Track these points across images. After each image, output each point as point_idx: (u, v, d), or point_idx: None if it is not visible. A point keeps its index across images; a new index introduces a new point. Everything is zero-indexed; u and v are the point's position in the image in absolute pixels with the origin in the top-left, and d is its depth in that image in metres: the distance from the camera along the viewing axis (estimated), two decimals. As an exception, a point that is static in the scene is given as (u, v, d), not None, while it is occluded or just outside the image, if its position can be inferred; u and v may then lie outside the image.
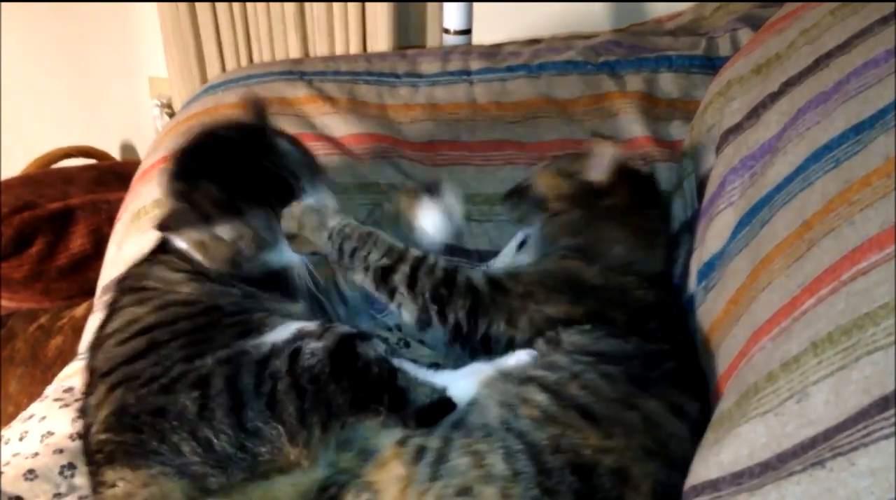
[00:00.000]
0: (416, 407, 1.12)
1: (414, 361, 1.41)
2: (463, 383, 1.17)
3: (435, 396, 1.14)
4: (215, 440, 1.06)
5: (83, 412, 1.20)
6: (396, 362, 1.17)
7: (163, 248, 1.38)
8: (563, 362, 1.15)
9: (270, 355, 1.13)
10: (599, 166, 1.35)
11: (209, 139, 1.36)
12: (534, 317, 1.26)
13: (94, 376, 1.20)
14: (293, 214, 1.30)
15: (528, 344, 1.24)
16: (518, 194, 1.46)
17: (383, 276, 1.27)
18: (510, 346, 1.26)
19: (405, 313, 1.28)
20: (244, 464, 1.06)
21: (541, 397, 1.09)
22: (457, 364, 1.34)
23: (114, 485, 1.08)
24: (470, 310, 1.26)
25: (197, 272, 1.30)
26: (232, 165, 1.30)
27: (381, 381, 1.12)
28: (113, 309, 1.29)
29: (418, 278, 1.26)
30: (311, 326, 1.18)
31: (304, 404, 1.08)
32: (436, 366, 1.41)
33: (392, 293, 1.27)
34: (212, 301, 1.24)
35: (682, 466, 1.06)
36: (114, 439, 1.11)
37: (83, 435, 1.19)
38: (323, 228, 1.30)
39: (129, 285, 1.34)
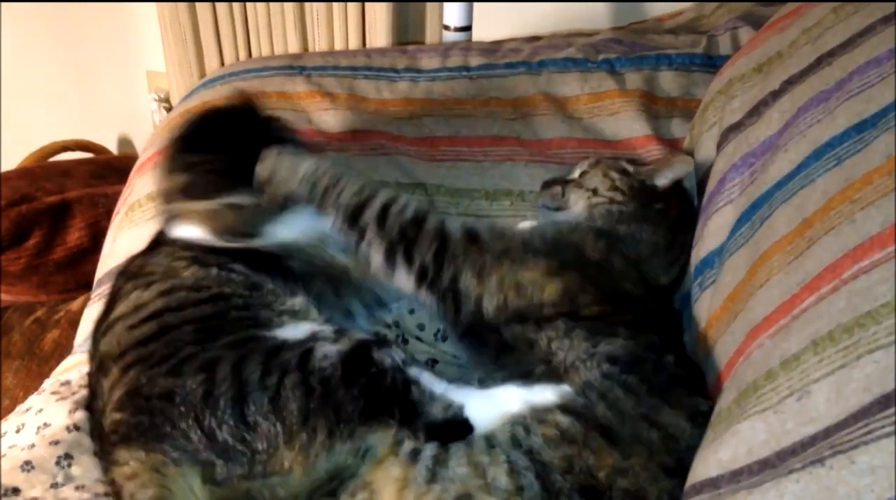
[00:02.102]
0: (429, 422, 1.09)
1: (416, 358, 1.42)
2: (484, 406, 1.12)
3: (450, 413, 1.10)
4: (217, 431, 1.04)
5: (93, 395, 1.20)
6: (415, 372, 1.14)
7: (160, 240, 1.39)
8: (595, 380, 1.13)
9: (282, 347, 1.11)
10: (668, 177, 1.40)
11: (209, 116, 1.39)
12: (504, 279, 1.25)
13: (107, 359, 1.18)
14: (266, 161, 1.30)
15: (498, 312, 1.24)
16: (560, 183, 1.44)
17: (354, 214, 1.27)
18: (479, 306, 1.25)
19: (374, 253, 1.28)
20: (244, 459, 1.04)
21: (562, 419, 1.07)
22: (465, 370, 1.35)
23: (126, 463, 1.08)
24: (436, 254, 1.25)
25: (196, 258, 1.30)
26: (238, 135, 1.32)
27: (395, 391, 1.09)
28: (116, 296, 1.29)
29: (388, 216, 1.26)
30: (325, 329, 1.16)
31: (310, 404, 1.05)
32: (433, 362, 1.41)
33: (362, 233, 1.27)
34: (218, 288, 1.22)
35: None
36: (129, 420, 1.10)
37: (92, 415, 1.19)
38: (296, 171, 1.30)
39: (131, 271, 1.34)
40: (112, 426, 1.13)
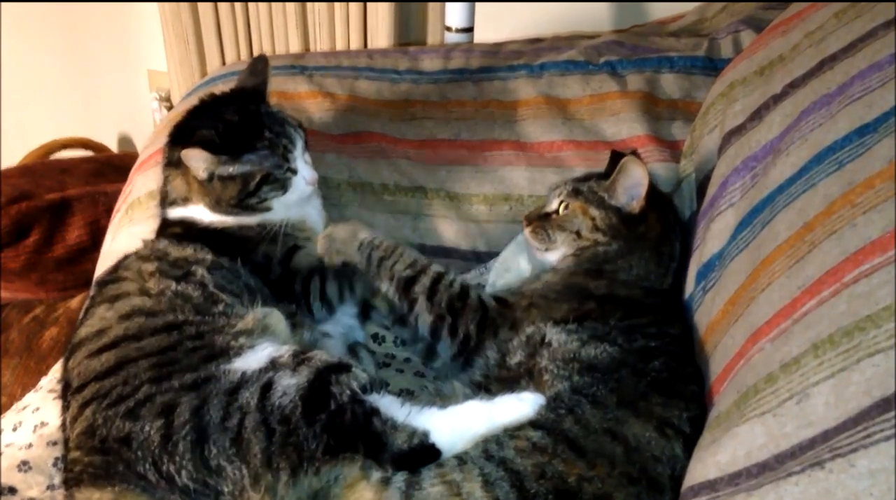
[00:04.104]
0: (394, 452, 1.07)
1: (401, 370, 1.42)
2: (449, 429, 1.10)
3: (415, 441, 1.08)
4: (177, 476, 1.04)
5: (63, 427, 1.20)
6: (375, 398, 1.12)
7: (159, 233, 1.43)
8: (565, 394, 1.15)
9: (240, 385, 1.10)
10: (633, 194, 1.39)
11: (204, 99, 1.45)
12: (536, 321, 1.29)
13: (69, 390, 1.19)
14: (326, 232, 1.40)
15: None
16: (542, 221, 1.45)
17: (406, 285, 1.35)
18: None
19: (421, 323, 1.35)
20: None
21: (533, 433, 1.09)
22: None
23: None
24: (479, 324, 1.32)
25: (166, 262, 1.31)
26: (227, 112, 1.38)
27: (356, 425, 1.07)
28: (90, 305, 1.30)
29: (437, 291, 1.34)
30: (284, 354, 1.15)
31: (272, 446, 1.04)
32: (421, 375, 1.41)
33: (412, 303, 1.35)
34: (172, 315, 1.21)
35: (671, 485, 1.07)
36: (83, 459, 1.10)
37: (65, 444, 1.18)
38: (354, 239, 1.39)
39: (106, 277, 1.35)
40: (70, 465, 1.13)
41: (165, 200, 1.44)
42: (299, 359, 1.14)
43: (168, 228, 1.41)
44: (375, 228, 1.46)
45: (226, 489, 1.04)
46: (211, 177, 1.34)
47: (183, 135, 1.39)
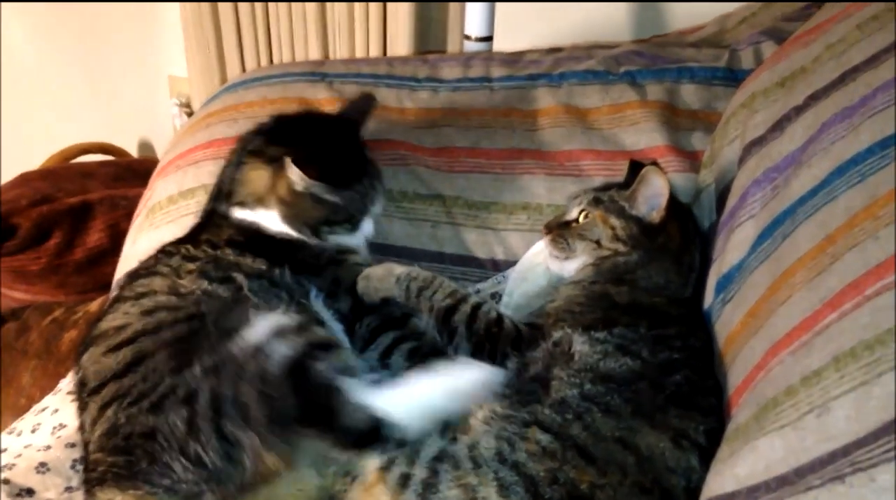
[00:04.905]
0: (351, 430, 1.09)
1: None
2: (406, 404, 1.12)
3: (373, 420, 1.09)
4: (204, 455, 1.06)
5: (81, 429, 1.20)
6: (342, 381, 1.13)
7: (192, 236, 1.42)
8: (572, 399, 1.15)
9: (248, 355, 1.11)
10: (654, 204, 1.39)
11: (313, 113, 1.50)
12: (565, 328, 1.29)
13: (85, 389, 1.19)
14: (362, 274, 1.40)
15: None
16: (562, 230, 1.45)
17: (446, 315, 1.35)
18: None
19: (462, 354, 1.33)
20: (235, 476, 1.06)
21: (541, 436, 1.09)
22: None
23: None
24: (513, 344, 1.31)
25: (213, 264, 1.30)
26: (337, 139, 1.42)
27: (319, 402, 1.10)
28: (116, 299, 1.31)
29: (477, 318, 1.33)
30: (291, 324, 1.16)
31: (264, 410, 1.07)
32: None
33: (453, 333, 1.34)
34: (195, 308, 1.22)
35: (686, 496, 1.07)
36: (105, 459, 1.11)
37: (85, 447, 1.19)
38: (391, 275, 1.39)
39: (140, 269, 1.35)
40: (91, 465, 1.14)
41: (231, 197, 1.41)
42: (298, 331, 1.16)
43: (222, 230, 1.39)
44: (412, 264, 1.47)
45: (246, 459, 1.07)
46: (306, 191, 1.35)
47: (288, 136, 1.41)
